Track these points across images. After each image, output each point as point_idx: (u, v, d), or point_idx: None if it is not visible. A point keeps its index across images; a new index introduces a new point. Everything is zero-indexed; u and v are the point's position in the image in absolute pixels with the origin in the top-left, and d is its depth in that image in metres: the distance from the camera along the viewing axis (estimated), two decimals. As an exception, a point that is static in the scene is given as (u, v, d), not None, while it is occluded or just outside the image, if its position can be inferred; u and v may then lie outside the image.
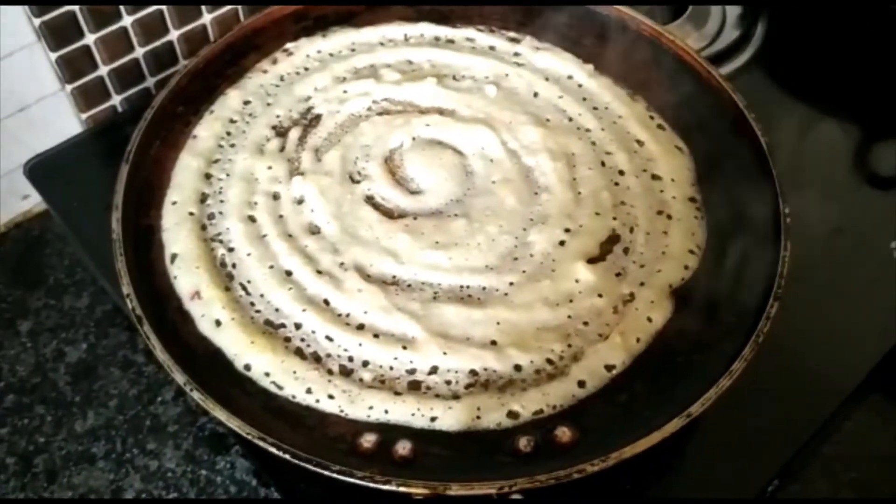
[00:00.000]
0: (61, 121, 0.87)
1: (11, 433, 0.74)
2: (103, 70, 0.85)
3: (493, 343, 0.57)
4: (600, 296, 0.60)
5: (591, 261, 0.62)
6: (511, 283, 0.61)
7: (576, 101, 0.72)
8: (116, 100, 0.89)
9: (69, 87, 0.84)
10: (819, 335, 0.68)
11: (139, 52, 0.86)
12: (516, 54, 0.76)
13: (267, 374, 0.56)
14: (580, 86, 0.74)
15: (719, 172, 0.67)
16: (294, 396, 0.55)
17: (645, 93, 0.73)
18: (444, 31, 0.78)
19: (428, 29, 0.78)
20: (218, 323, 0.58)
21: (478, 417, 0.54)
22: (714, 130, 0.70)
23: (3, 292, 0.83)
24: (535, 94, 0.73)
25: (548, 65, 0.75)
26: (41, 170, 0.79)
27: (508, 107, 0.71)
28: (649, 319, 0.59)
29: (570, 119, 0.71)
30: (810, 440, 0.63)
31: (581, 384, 0.56)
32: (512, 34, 0.78)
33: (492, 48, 0.77)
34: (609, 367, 0.56)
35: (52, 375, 0.78)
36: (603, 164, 0.68)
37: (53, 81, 0.83)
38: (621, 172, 0.68)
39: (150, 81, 0.88)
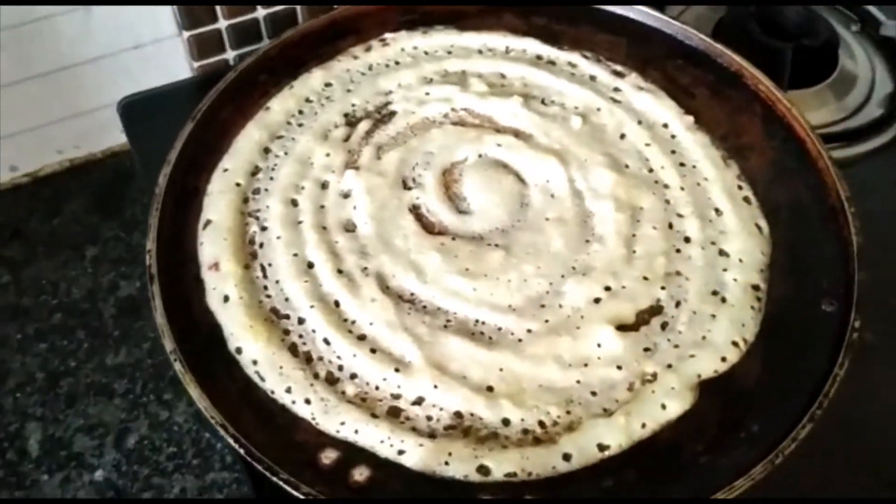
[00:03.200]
0: (173, 65, 0.89)
1: (49, 350, 0.78)
2: (222, 24, 0.87)
3: (489, 389, 0.54)
4: (619, 368, 0.55)
5: (623, 328, 0.57)
6: (529, 331, 0.57)
7: (663, 153, 0.67)
8: (230, 55, 0.90)
9: (186, 34, 0.86)
10: (849, 460, 0.60)
11: (260, 12, 0.87)
12: (616, 90, 0.71)
13: (254, 363, 0.55)
14: (673, 137, 0.68)
15: (795, 265, 0.60)
16: (273, 391, 0.54)
17: (741, 159, 0.66)
18: (548, 51, 0.74)
19: (532, 45, 0.74)
20: (226, 299, 0.57)
21: (446, 463, 0.51)
22: (805, 216, 0.63)
23: (82, 216, 0.87)
24: (622, 136, 0.68)
25: (646, 107, 0.70)
26: (135, 108, 0.82)
27: (588, 143, 0.67)
28: (663, 406, 0.53)
29: (651, 170, 0.66)
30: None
31: (566, 457, 0.51)
32: (618, 67, 0.73)
33: (592, 78, 0.72)
34: (602, 447, 0.52)
35: (100, 305, 0.81)
36: (671, 226, 0.63)
37: (171, 26, 0.86)
38: (687, 239, 0.62)
39: (265, 43, 0.89)
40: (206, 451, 0.73)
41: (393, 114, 0.69)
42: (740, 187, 0.65)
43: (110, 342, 0.78)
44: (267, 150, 0.67)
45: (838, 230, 0.61)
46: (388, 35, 0.75)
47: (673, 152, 0.67)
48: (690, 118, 0.69)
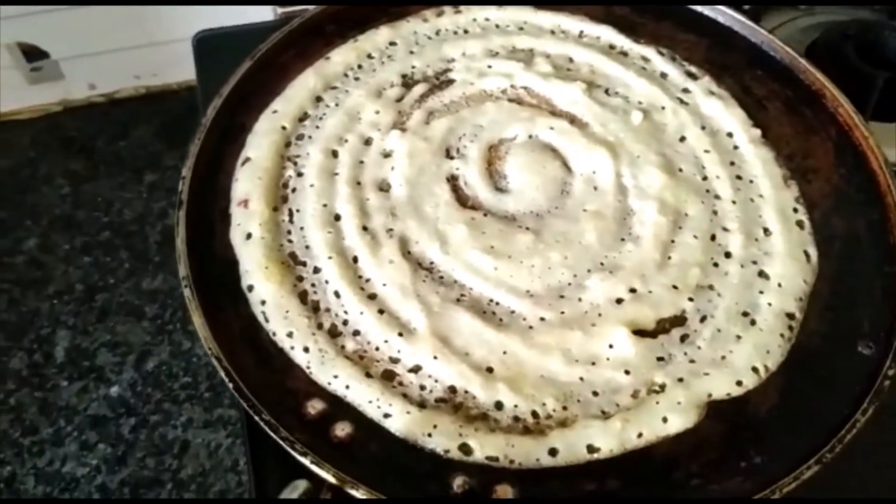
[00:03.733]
0: (257, 9, 0.90)
1: (92, 264, 0.80)
2: (310, -27, 0.87)
3: (489, 370, 0.53)
4: (627, 373, 0.53)
5: (640, 333, 0.55)
6: (542, 319, 0.55)
7: (721, 163, 0.64)
8: (314, 7, 0.91)
9: (274, -21, 0.87)
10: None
11: (350, -33, 0.87)
12: (685, 90, 0.68)
13: (262, 303, 0.55)
14: (735, 147, 0.65)
15: (838, 300, 0.57)
16: (274, 333, 0.54)
17: (803, 182, 0.63)
18: (622, 42, 0.71)
19: (608, 33, 0.72)
20: (248, 236, 0.58)
21: (429, 435, 0.50)
22: (860, 251, 0.59)
23: (147, 142, 0.89)
24: (682, 139, 0.65)
25: (713, 113, 0.66)
26: (209, 43, 0.83)
27: (645, 140, 0.64)
28: (665, 420, 0.51)
29: (705, 178, 0.63)
30: None
31: (552, 452, 0.50)
32: (693, 69, 0.70)
33: (663, 75, 0.69)
34: (592, 449, 0.50)
35: (147, 230, 0.83)
36: (713, 237, 0.60)
37: (260, -31, 0.86)
38: (728, 255, 0.59)
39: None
40: (219, 386, 0.74)
41: (451, 82, 0.68)
42: (796, 210, 0.61)
43: (150, 267, 0.80)
44: (319, 99, 0.66)
45: (893, 272, 0.57)
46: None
47: (732, 164, 0.64)
48: (758, 131, 0.65)
